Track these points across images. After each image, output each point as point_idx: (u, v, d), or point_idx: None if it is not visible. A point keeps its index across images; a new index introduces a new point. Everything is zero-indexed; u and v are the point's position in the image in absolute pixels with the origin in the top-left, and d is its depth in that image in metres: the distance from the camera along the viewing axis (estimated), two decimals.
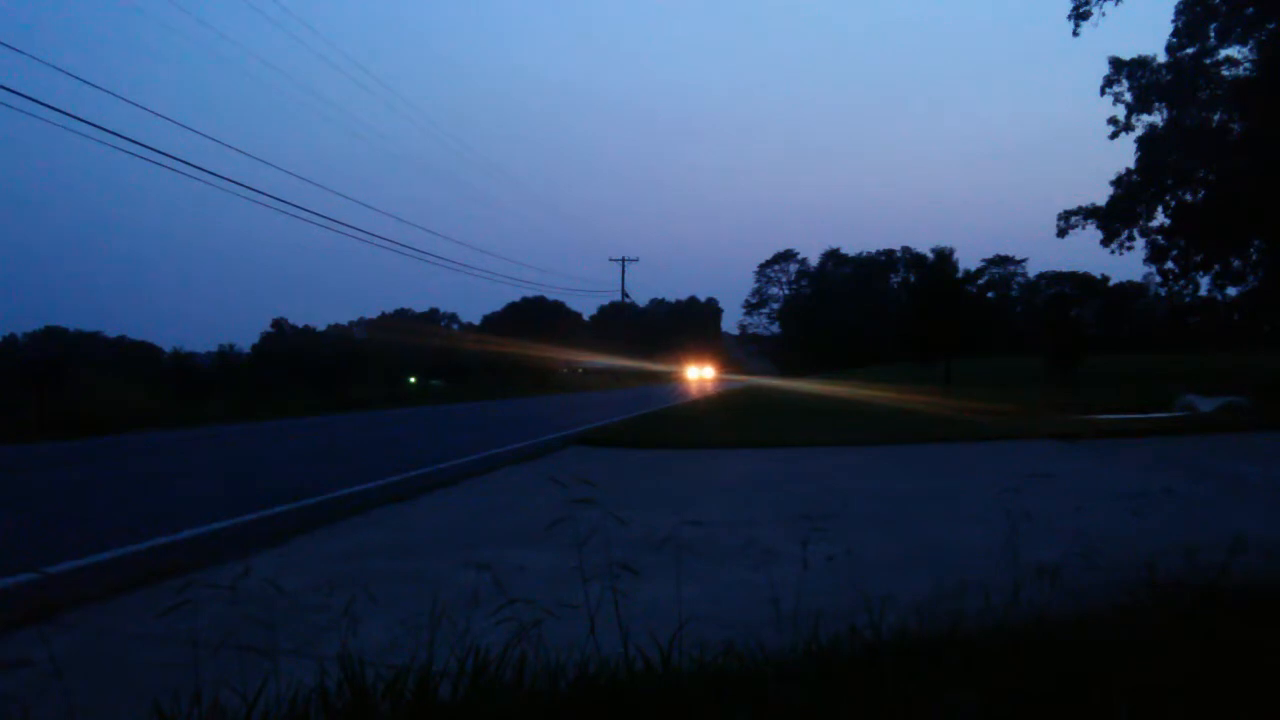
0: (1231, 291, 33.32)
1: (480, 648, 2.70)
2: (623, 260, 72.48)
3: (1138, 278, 73.79)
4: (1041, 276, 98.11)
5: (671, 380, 73.52)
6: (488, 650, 2.71)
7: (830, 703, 2.43)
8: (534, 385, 47.20)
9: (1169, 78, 30.25)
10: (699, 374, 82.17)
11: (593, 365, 78.53)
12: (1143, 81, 30.98)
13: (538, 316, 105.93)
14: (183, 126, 19.47)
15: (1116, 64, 31.51)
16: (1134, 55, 31.23)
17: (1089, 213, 33.70)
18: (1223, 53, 29.28)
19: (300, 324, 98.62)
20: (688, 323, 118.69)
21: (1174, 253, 31.71)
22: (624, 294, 74.48)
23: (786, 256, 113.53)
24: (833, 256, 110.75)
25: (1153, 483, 8.21)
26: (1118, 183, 32.54)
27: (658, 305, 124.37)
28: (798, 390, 37.79)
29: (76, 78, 16.47)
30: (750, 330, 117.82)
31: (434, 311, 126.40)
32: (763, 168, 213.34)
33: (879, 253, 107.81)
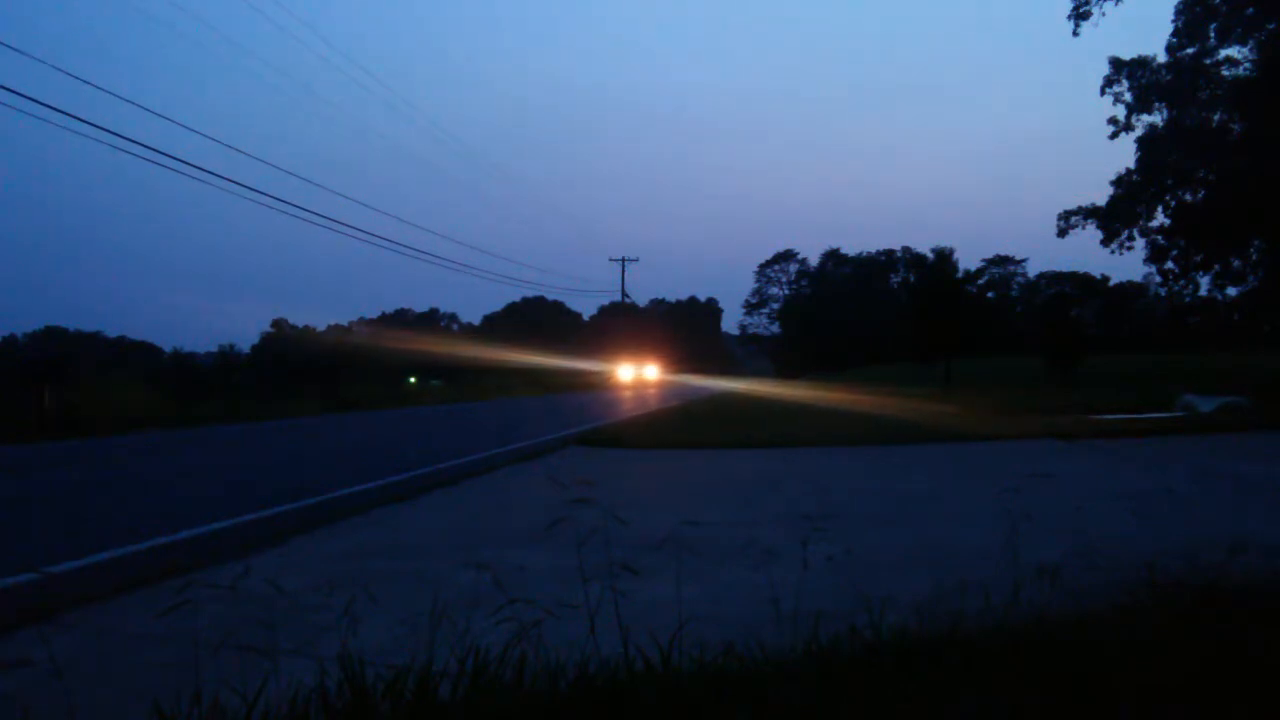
0: (1231, 291, 33.35)
1: (480, 648, 2.70)
2: (623, 260, 72.49)
3: (1138, 278, 73.59)
4: (1041, 276, 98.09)
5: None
6: (488, 650, 2.71)
7: (830, 703, 2.43)
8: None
9: (1169, 78, 30.24)
10: (635, 376, 58.37)
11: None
12: (1143, 81, 30.98)
13: (538, 316, 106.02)
14: (183, 127, 19.48)
15: (1116, 64, 31.51)
16: (1134, 55, 31.24)
17: (1089, 213, 33.69)
18: (1223, 53, 29.30)
19: (300, 324, 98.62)
20: (688, 323, 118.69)
21: (1174, 253, 31.70)
22: (624, 294, 74.50)
23: (786, 256, 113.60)
24: (833, 256, 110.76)
25: (1153, 483, 8.22)
26: (1118, 183, 32.54)
27: (658, 305, 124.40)
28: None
29: (77, 78, 16.47)
30: (750, 330, 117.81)
31: (434, 311, 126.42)
32: (763, 168, 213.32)
33: (879, 253, 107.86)
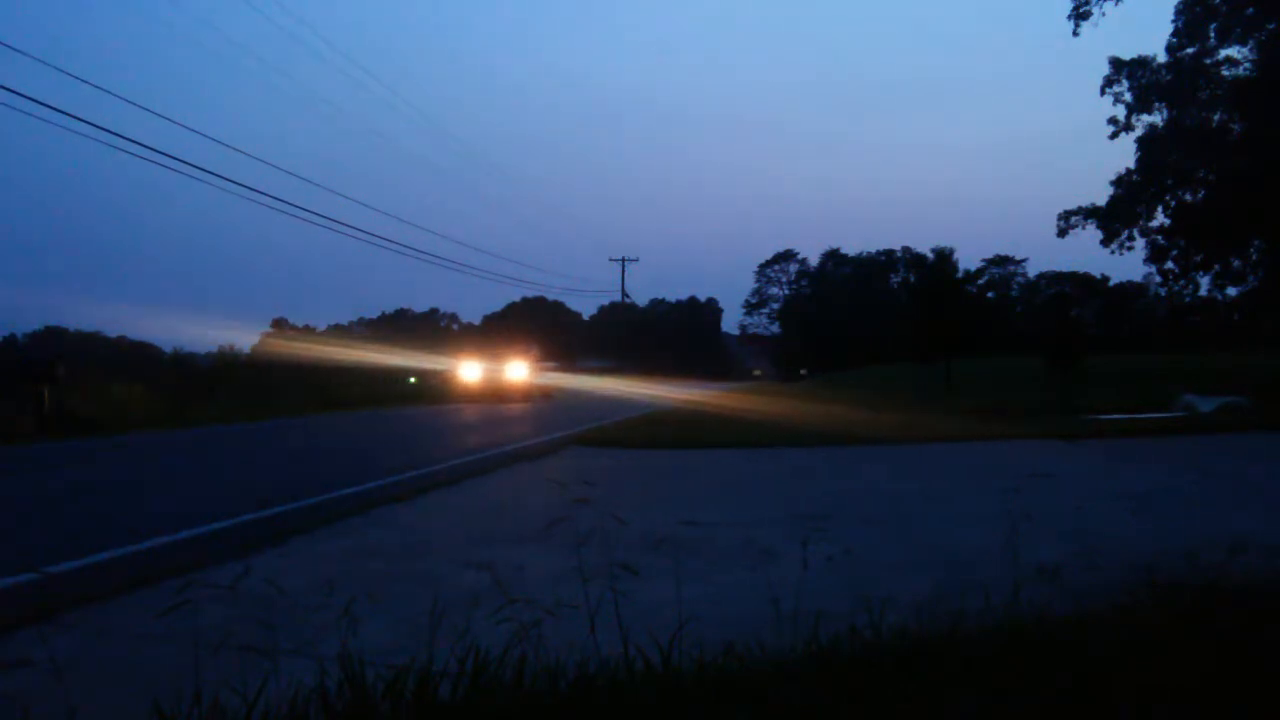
0: (1231, 291, 33.34)
1: (480, 648, 2.70)
2: (623, 260, 72.60)
3: (1138, 278, 73.53)
4: (1041, 276, 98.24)
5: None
6: (488, 650, 2.71)
7: (830, 703, 2.43)
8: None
9: (1169, 78, 30.24)
10: (490, 376, 31.39)
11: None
12: (1143, 81, 30.97)
13: (538, 316, 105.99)
14: (183, 127, 19.51)
15: (1116, 64, 31.50)
16: (1134, 55, 31.23)
17: (1089, 213, 33.67)
18: (1223, 53, 29.29)
19: (300, 324, 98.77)
20: (688, 323, 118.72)
21: (1174, 253, 31.69)
22: (624, 294, 74.58)
23: (786, 256, 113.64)
24: (833, 256, 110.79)
25: (1153, 483, 8.22)
26: (1118, 183, 32.53)
27: (658, 305, 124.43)
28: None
29: (77, 78, 16.49)
30: (750, 330, 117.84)
31: (434, 311, 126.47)
32: (763, 167, 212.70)
33: (879, 253, 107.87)
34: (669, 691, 2.55)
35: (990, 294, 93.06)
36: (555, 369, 37.47)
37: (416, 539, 5.99)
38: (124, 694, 3.08)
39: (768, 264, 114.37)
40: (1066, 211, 34.54)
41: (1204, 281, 32.52)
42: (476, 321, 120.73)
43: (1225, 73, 29.50)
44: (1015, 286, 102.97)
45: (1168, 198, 31.73)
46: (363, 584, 4.38)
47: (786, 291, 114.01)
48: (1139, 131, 31.71)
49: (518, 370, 30.27)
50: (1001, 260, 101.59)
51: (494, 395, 28.83)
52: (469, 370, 30.66)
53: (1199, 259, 31.13)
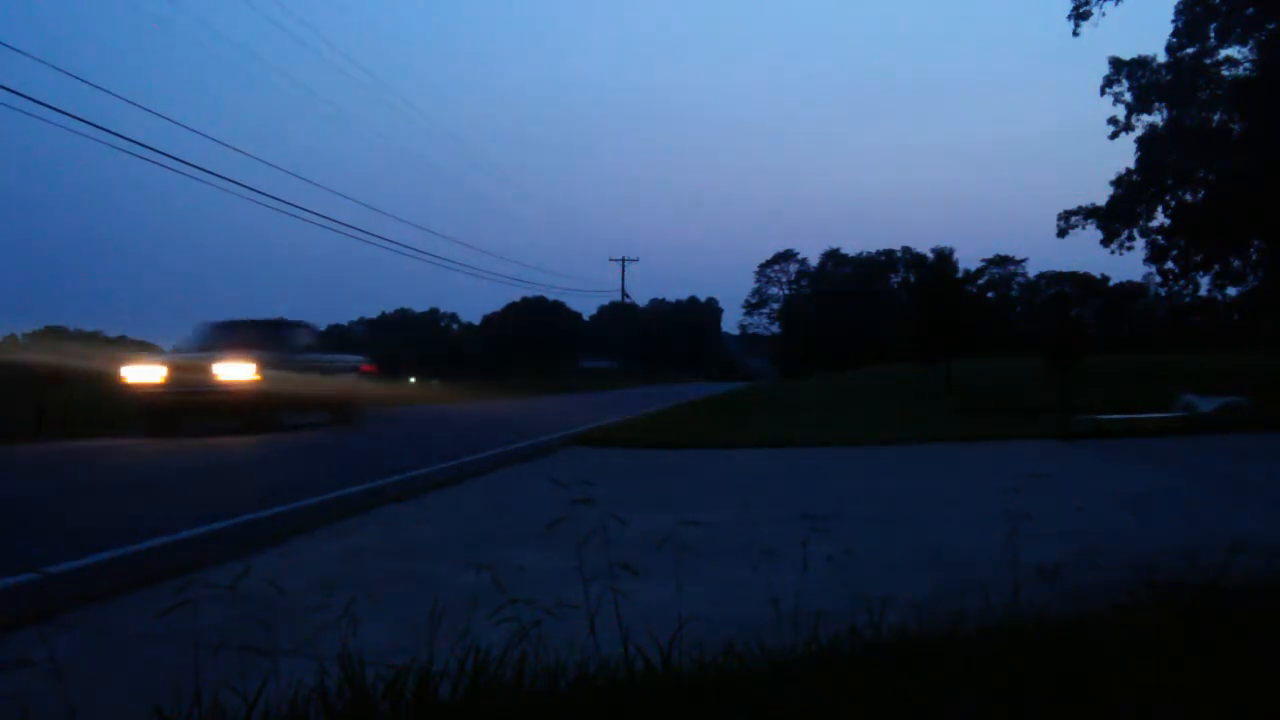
0: (1231, 291, 33.33)
1: (480, 648, 2.70)
2: (623, 260, 72.83)
3: (1138, 278, 73.57)
4: (1041, 276, 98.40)
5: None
6: (488, 650, 2.71)
7: (830, 703, 2.43)
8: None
9: (1169, 78, 30.23)
10: (184, 379, 15.57)
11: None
12: (1143, 81, 30.96)
13: (538, 316, 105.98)
14: (183, 126, 19.52)
15: (1116, 64, 31.49)
16: (1134, 55, 31.22)
17: (1089, 213, 33.66)
18: (1223, 53, 29.29)
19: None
20: (688, 322, 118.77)
21: (1174, 253, 31.67)
22: (624, 294, 74.69)
23: (786, 256, 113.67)
24: (833, 256, 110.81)
25: (1153, 483, 8.22)
26: (1118, 183, 32.51)
27: (658, 305, 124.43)
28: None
29: (77, 77, 16.50)
30: (750, 330, 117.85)
31: (434, 311, 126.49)
32: (763, 167, 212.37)
33: (879, 253, 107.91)
34: (669, 691, 2.55)
35: (990, 294, 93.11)
36: (371, 367, 21.65)
37: (416, 538, 5.99)
38: (124, 694, 3.08)
39: (768, 264, 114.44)
40: (1066, 211, 34.54)
41: (1204, 281, 32.53)
42: (476, 321, 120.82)
43: (1225, 73, 29.50)
44: (1015, 286, 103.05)
45: (1168, 198, 31.71)
46: (363, 584, 4.38)
47: (786, 291, 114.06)
48: (1139, 131, 31.71)
49: (234, 370, 16.11)
50: (1001, 260, 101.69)
51: (197, 415, 17.25)
52: (145, 372, 16.28)
53: (1199, 259, 31.11)
